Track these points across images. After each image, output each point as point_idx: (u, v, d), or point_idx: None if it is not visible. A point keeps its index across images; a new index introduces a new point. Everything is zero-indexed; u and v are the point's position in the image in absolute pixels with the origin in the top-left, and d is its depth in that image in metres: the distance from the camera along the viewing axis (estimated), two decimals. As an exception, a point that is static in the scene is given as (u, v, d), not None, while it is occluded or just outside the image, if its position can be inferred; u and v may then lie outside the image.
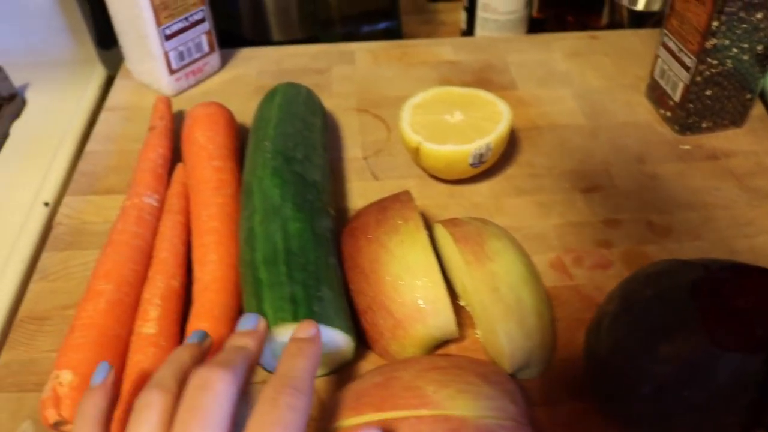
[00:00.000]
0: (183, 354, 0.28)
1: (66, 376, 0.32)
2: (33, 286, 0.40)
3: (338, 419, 0.29)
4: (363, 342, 0.35)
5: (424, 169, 0.45)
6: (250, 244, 0.35)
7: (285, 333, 0.31)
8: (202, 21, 0.51)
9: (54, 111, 0.56)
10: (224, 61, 0.56)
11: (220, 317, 0.34)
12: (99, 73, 0.60)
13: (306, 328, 0.29)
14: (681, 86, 0.46)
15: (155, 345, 0.34)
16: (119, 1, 0.48)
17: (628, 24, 0.60)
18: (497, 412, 0.29)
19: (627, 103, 0.52)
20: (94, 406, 0.27)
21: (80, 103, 0.56)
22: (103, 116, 0.52)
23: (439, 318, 0.34)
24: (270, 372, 0.33)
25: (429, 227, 0.37)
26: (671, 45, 0.46)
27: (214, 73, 0.55)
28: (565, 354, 0.36)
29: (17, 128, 0.54)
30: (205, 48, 0.53)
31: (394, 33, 0.60)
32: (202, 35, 0.52)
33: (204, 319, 0.34)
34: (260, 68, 0.56)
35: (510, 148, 0.47)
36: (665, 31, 0.47)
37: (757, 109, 0.50)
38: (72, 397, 0.31)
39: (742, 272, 0.30)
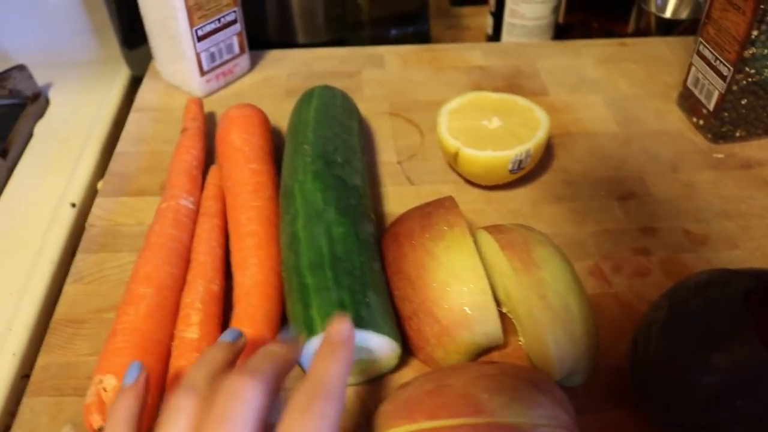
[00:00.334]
0: (216, 354, 0.27)
1: (110, 381, 0.31)
2: (68, 288, 0.39)
3: (389, 427, 0.29)
4: (406, 348, 0.35)
5: (461, 175, 0.45)
6: (294, 249, 0.35)
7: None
8: (234, 22, 0.51)
9: (78, 111, 0.55)
10: (253, 63, 0.56)
11: (263, 322, 0.34)
12: (123, 73, 0.59)
13: (339, 329, 0.28)
14: (716, 95, 0.46)
15: (198, 350, 0.33)
16: (152, 2, 0.48)
17: (655, 31, 0.60)
18: (551, 420, 0.29)
19: (658, 111, 0.52)
20: (125, 407, 0.26)
21: (104, 103, 0.56)
22: (133, 117, 0.52)
23: (486, 325, 0.33)
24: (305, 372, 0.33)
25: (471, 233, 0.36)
26: (706, 53, 0.46)
27: (244, 74, 0.55)
28: (607, 361, 0.36)
29: (41, 128, 0.54)
30: (236, 49, 0.52)
31: (422, 37, 0.60)
32: (233, 36, 0.51)
33: (246, 324, 0.34)
34: (290, 70, 0.56)
35: (544, 155, 0.47)
36: (700, 39, 0.47)
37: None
38: (117, 403, 0.31)
39: (797, 282, 0.30)
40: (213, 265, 0.37)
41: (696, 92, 0.49)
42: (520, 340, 0.36)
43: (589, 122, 0.51)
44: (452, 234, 0.35)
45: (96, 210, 0.44)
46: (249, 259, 0.37)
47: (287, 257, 0.35)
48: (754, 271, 0.31)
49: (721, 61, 0.45)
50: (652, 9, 0.60)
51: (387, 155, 0.48)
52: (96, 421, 0.30)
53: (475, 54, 0.57)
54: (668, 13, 0.61)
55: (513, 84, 0.54)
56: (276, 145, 0.45)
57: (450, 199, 0.37)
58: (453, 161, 0.43)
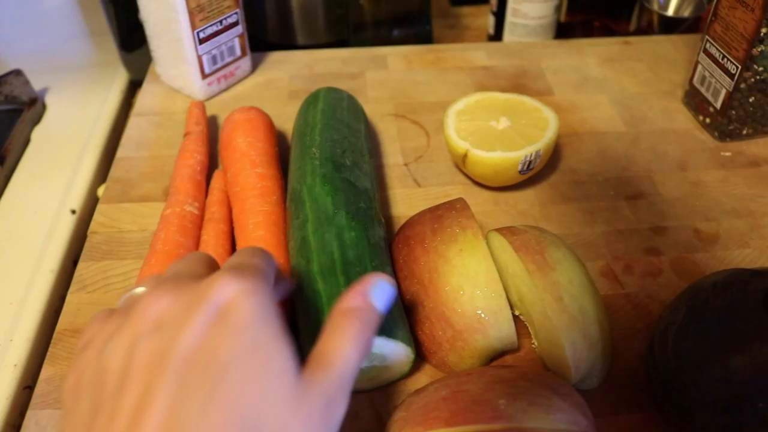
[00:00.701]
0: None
1: (118, 392, 0.30)
2: (71, 298, 0.38)
3: (406, 435, 0.28)
4: (419, 353, 0.34)
5: (469, 176, 0.44)
6: (304, 255, 0.34)
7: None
8: (235, 24, 0.50)
9: (75, 116, 0.54)
10: (254, 65, 0.55)
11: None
12: (121, 77, 0.59)
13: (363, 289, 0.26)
14: (723, 93, 0.46)
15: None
16: (153, 4, 0.47)
17: (658, 29, 0.59)
18: (570, 425, 0.28)
19: (664, 110, 0.51)
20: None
21: (102, 107, 0.55)
22: (133, 122, 0.51)
23: (500, 329, 0.33)
24: None
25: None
26: (713, 51, 0.46)
27: (245, 77, 0.54)
28: (621, 364, 0.35)
29: (38, 133, 0.53)
30: (238, 52, 0.52)
31: (425, 37, 0.59)
32: (235, 38, 0.51)
33: (256, 330, 0.33)
34: (292, 72, 0.55)
35: (552, 155, 0.47)
36: (707, 37, 0.47)
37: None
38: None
39: (817, 282, 0.30)
40: (220, 272, 0.37)
41: (702, 90, 0.48)
42: (533, 343, 0.36)
43: (595, 122, 0.50)
44: (465, 237, 0.34)
45: (98, 217, 0.43)
46: (257, 264, 0.36)
47: (297, 262, 0.34)
48: (772, 271, 0.31)
49: (728, 59, 0.45)
50: (655, 7, 0.60)
51: (393, 157, 0.47)
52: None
53: (478, 54, 0.57)
54: (671, 11, 0.60)
55: (518, 84, 0.54)
56: (281, 149, 0.45)
57: (461, 200, 0.36)
58: (461, 163, 0.42)
